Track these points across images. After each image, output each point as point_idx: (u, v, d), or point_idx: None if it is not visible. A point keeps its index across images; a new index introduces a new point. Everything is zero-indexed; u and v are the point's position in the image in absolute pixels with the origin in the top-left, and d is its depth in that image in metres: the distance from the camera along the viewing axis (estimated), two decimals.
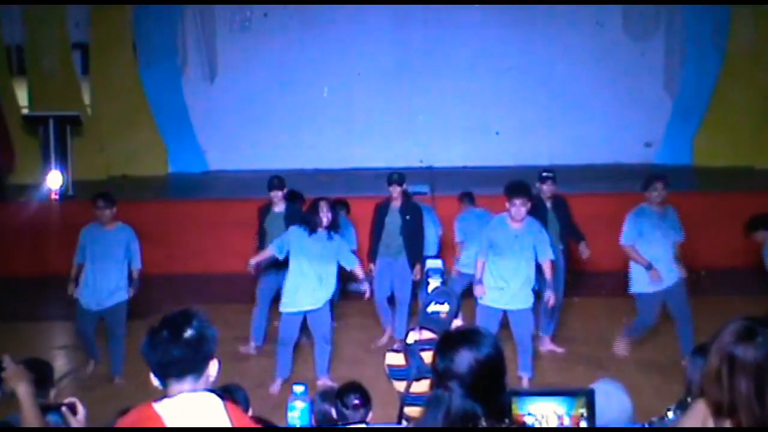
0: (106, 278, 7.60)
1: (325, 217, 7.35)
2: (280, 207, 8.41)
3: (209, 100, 16.05)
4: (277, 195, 8.37)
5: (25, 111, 15.16)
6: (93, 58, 15.73)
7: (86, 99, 15.73)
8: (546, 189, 8.30)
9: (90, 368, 7.89)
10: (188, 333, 2.69)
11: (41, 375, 4.10)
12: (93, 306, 7.61)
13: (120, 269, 7.64)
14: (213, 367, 2.78)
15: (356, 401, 4.30)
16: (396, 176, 8.56)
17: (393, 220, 8.58)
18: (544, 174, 8.38)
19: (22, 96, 15.46)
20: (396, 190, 8.53)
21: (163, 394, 2.74)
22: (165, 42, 15.92)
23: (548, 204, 8.32)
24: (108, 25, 15.46)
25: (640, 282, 7.74)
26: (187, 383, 2.72)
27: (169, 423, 2.65)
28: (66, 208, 12.20)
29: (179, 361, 2.69)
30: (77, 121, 13.26)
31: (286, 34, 16.11)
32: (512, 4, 15.62)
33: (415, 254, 8.55)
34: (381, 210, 8.69)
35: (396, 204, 8.59)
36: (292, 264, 7.41)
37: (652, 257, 7.64)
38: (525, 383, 7.28)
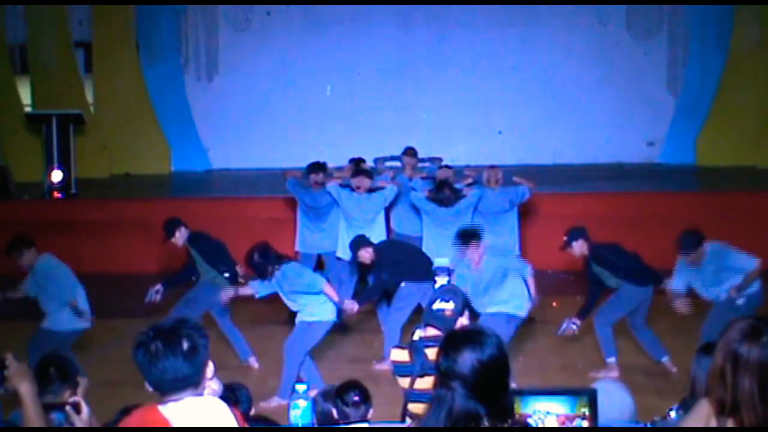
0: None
1: None
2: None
3: (212, 98, 16.06)
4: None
5: (27, 109, 15.18)
6: (96, 57, 15.74)
7: (89, 97, 15.74)
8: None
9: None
10: (184, 346, 2.65)
11: (62, 372, 4.02)
12: None
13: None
14: (209, 371, 2.75)
15: (356, 398, 4.29)
16: None
17: None
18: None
19: (25, 94, 15.48)
20: None
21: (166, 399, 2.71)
22: (168, 40, 15.94)
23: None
24: (110, 23, 15.48)
25: None
26: (186, 393, 2.69)
27: (177, 425, 2.62)
28: (69, 206, 12.21)
29: (178, 378, 2.65)
30: (80, 119, 13.25)
31: (289, 32, 16.10)
32: (515, 3, 15.61)
33: None
34: None
35: None
36: None
37: None
38: None
